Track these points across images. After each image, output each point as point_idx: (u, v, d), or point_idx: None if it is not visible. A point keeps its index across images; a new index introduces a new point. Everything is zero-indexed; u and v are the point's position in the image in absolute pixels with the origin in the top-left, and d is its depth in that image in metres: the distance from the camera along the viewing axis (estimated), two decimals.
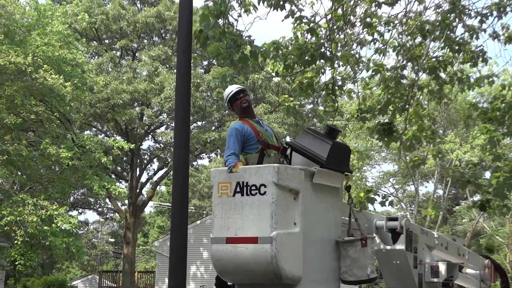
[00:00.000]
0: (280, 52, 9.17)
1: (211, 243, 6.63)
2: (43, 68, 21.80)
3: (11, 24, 22.90)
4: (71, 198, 39.97)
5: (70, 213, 32.12)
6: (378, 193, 9.91)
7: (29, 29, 23.64)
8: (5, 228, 21.83)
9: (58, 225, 22.51)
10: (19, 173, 24.78)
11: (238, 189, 6.43)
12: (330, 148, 6.89)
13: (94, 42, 37.76)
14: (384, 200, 9.91)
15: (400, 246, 9.73)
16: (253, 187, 6.34)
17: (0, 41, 21.93)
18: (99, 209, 50.26)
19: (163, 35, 38.60)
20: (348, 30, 9.62)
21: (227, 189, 6.50)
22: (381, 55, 10.09)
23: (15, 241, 22.00)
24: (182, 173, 5.21)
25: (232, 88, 7.72)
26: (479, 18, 9.64)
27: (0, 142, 21.03)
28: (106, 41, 38.86)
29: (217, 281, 7.04)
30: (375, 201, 9.65)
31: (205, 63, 36.56)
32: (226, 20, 8.25)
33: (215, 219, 6.59)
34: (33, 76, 21.80)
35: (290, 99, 10.20)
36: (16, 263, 23.06)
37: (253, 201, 6.30)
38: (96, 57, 37.46)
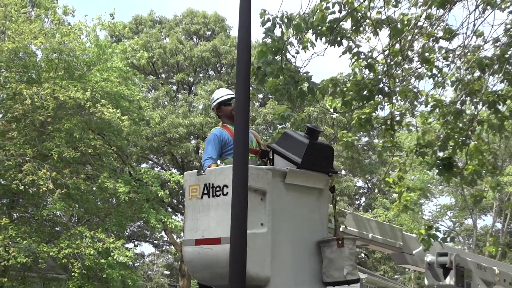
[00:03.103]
0: (338, 88, 9.17)
1: (183, 245, 6.75)
2: (101, 103, 22.11)
3: (71, 60, 23.33)
4: (127, 231, 40.24)
5: (126, 245, 32.31)
6: (439, 229, 9.77)
7: (89, 65, 24.06)
8: (63, 261, 22.03)
9: (115, 257, 22.66)
10: (77, 206, 25.04)
11: (205, 191, 6.52)
12: (306, 149, 6.84)
13: (151, 76, 38.22)
14: (446, 236, 9.77)
15: (449, 281, 9.59)
16: (218, 188, 6.40)
17: (60, 76, 22.32)
18: (155, 241, 50.53)
19: (219, 69, 38.93)
20: (405, 65, 9.56)
21: (196, 191, 6.59)
22: (440, 88, 10.01)
23: (73, 273, 22.18)
24: (240, 210, 5.19)
25: (225, 92, 7.91)
26: None
27: (59, 175, 21.28)
28: (163, 75, 39.33)
29: (199, 285, 7.09)
30: (438, 238, 9.52)
31: (260, 96, 36.74)
32: (284, 57, 8.29)
33: (186, 222, 6.71)
34: (91, 111, 22.12)
35: (349, 134, 10.16)
36: None
37: (217, 202, 6.37)
38: (153, 91, 37.91)
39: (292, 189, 6.77)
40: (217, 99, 7.96)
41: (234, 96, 7.90)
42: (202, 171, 6.76)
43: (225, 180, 6.32)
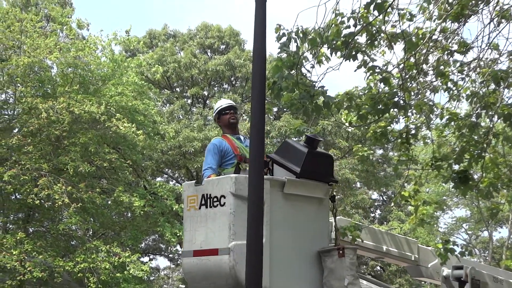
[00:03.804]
0: (354, 102, 9.18)
1: (182, 257, 6.75)
2: (116, 117, 22.17)
3: (86, 74, 23.44)
4: (143, 244, 40.23)
5: (142, 259, 32.29)
6: (456, 243, 9.75)
7: (104, 79, 24.16)
8: (79, 275, 22.03)
9: (131, 272, 22.64)
10: (92, 220, 25.09)
11: (203, 202, 6.52)
12: (305, 158, 6.83)
13: (166, 90, 38.29)
14: (463, 250, 9.75)
15: None
16: (215, 199, 6.40)
17: (75, 91, 22.42)
18: (170, 255, 50.45)
19: (233, 82, 38.95)
20: (420, 79, 9.56)
21: (194, 202, 6.60)
22: (455, 101, 10.00)
23: None
24: (256, 228, 5.20)
25: (223, 102, 7.98)
26: None
27: (75, 190, 21.33)
28: (178, 89, 39.39)
29: None
30: (455, 252, 9.51)
31: (275, 109, 36.74)
32: (299, 71, 8.31)
33: (185, 233, 6.74)
34: (106, 125, 22.19)
35: (364, 148, 10.17)
36: None
37: (215, 213, 6.37)
38: (168, 105, 37.97)
39: (291, 198, 6.77)
40: (216, 109, 8.05)
41: (231, 104, 8.02)
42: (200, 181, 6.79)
43: (222, 190, 6.34)
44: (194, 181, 6.81)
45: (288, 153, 7.10)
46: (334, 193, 7.43)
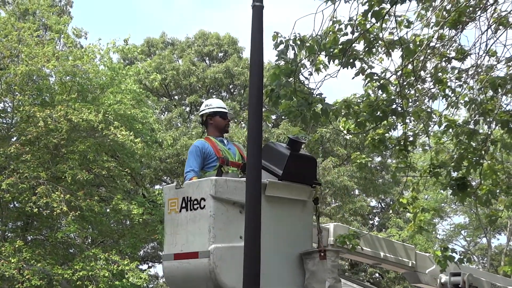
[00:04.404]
0: (351, 109, 9.17)
1: (162, 260, 6.74)
2: (114, 125, 22.14)
3: (84, 82, 23.42)
4: (141, 252, 40.18)
5: (140, 267, 32.23)
6: (455, 250, 9.74)
7: (102, 88, 24.15)
8: (77, 283, 21.97)
9: (129, 280, 22.60)
10: (90, 228, 25.04)
11: (183, 205, 6.50)
12: (287, 160, 6.82)
13: (164, 98, 38.29)
14: (462, 257, 9.73)
15: None
16: (195, 202, 6.39)
17: (73, 99, 22.41)
18: None
19: (231, 90, 38.95)
20: (418, 86, 9.56)
21: (175, 205, 6.60)
22: (453, 108, 9.99)
23: None
24: (254, 234, 5.20)
25: (221, 104, 7.89)
26: None
27: (73, 198, 21.29)
28: (176, 96, 39.39)
29: None
30: (454, 259, 9.50)
31: (274, 117, 36.73)
32: (297, 79, 8.29)
33: (166, 236, 6.74)
34: (104, 133, 22.16)
35: (362, 156, 10.16)
36: None
37: (195, 216, 6.36)
38: (166, 112, 37.97)
39: (273, 201, 6.75)
40: (216, 107, 7.96)
41: (230, 112, 8.01)
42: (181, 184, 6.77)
43: (202, 193, 6.32)
44: (175, 184, 6.80)
45: (270, 155, 7.09)
46: (318, 196, 7.41)
